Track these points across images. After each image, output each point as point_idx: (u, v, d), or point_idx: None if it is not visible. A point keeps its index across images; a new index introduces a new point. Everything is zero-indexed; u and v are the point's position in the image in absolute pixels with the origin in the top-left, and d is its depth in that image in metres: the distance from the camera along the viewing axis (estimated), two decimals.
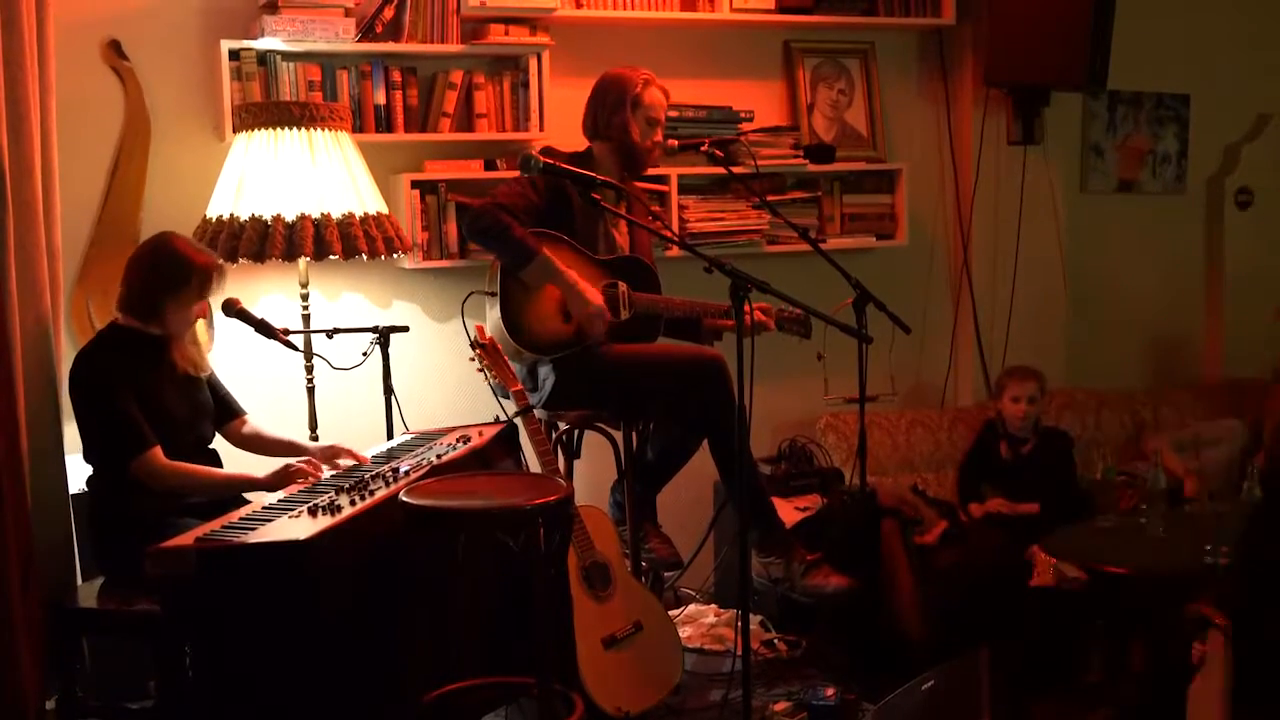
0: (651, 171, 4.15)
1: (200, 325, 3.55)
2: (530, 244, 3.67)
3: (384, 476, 3.20)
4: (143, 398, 3.28)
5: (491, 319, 3.79)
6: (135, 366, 3.31)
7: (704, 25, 4.68)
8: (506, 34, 4.25)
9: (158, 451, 3.25)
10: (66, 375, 3.54)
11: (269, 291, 4.23)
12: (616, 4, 4.44)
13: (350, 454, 3.49)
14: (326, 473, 3.35)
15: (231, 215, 3.79)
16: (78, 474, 3.57)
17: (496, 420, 3.81)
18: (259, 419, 3.65)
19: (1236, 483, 3.91)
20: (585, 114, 3.97)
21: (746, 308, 3.21)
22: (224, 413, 3.58)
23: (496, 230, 3.67)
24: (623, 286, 3.86)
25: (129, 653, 3.58)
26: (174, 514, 3.17)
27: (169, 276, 3.32)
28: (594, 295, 3.74)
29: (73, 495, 3.51)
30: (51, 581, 3.35)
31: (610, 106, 3.91)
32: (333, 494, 3.05)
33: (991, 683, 3.18)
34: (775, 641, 4.15)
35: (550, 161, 3.41)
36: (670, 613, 3.96)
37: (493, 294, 3.76)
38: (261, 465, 3.46)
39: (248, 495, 3.36)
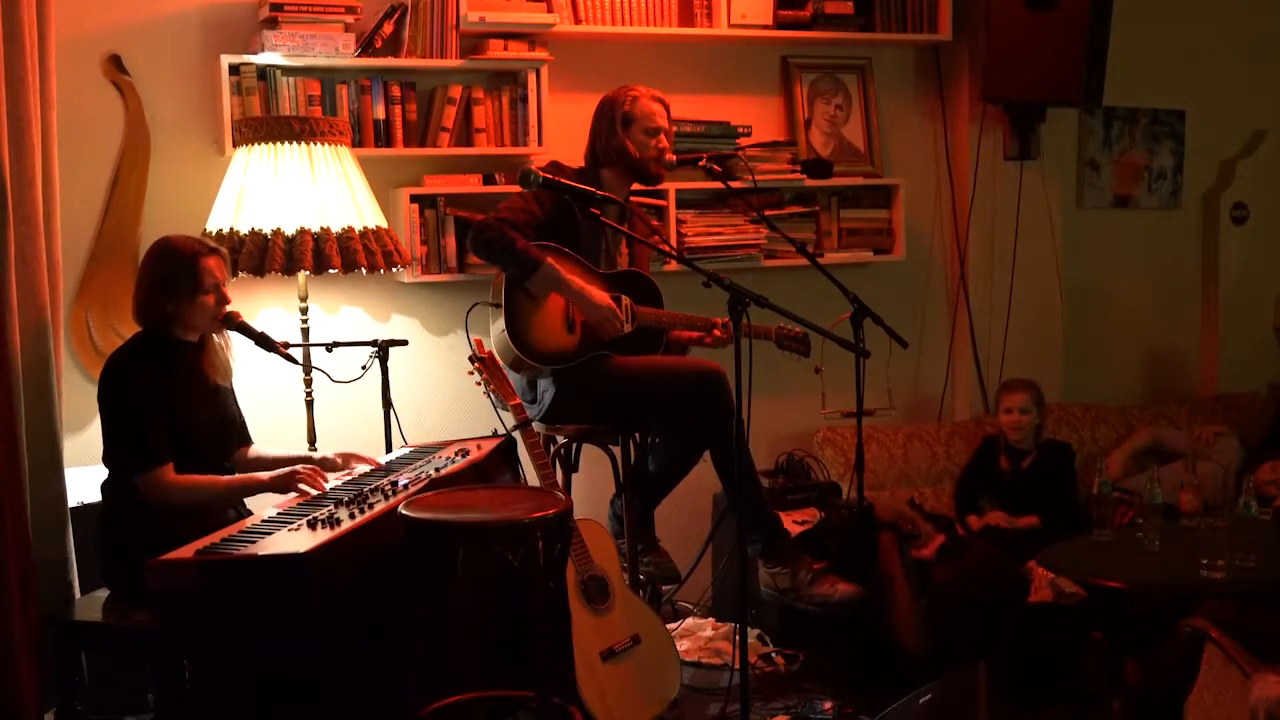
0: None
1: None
2: (534, 254, 3.69)
3: (383, 490, 3.20)
4: (169, 406, 3.26)
5: (495, 331, 3.80)
6: (166, 374, 3.29)
7: (702, 41, 4.70)
8: (505, 49, 4.27)
9: (168, 469, 3.22)
10: (65, 389, 3.55)
11: (268, 305, 4.24)
12: (615, 19, 4.46)
13: (361, 459, 3.53)
14: (329, 483, 3.35)
15: (231, 229, 3.81)
16: (77, 488, 3.58)
17: (495, 434, 3.82)
18: (261, 442, 3.64)
19: (1233, 497, 3.92)
20: (587, 145, 4.00)
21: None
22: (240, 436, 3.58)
23: (501, 243, 3.69)
24: (625, 300, 3.87)
25: (128, 666, 3.58)
26: (184, 531, 3.07)
27: (165, 276, 3.31)
28: (602, 297, 3.76)
29: (71, 508, 3.51)
30: (50, 595, 3.35)
31: (605, 131, 3.95)
32: (332, 507, 3.05)
33: (989, 697, 3.19)
34: (773, 655, 4.15)
35: (549, 176, 3.43)
36: (668, 626, 3.96)
37: (497, 305, 3.78)
38: None
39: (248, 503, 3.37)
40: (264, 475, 3.32)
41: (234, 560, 2.75)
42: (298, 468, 3.31)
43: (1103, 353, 5.58)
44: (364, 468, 3.53)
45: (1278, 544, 3.71)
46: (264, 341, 3.57)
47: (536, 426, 3.73)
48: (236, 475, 3.42)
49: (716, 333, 3.94)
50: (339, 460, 3.53)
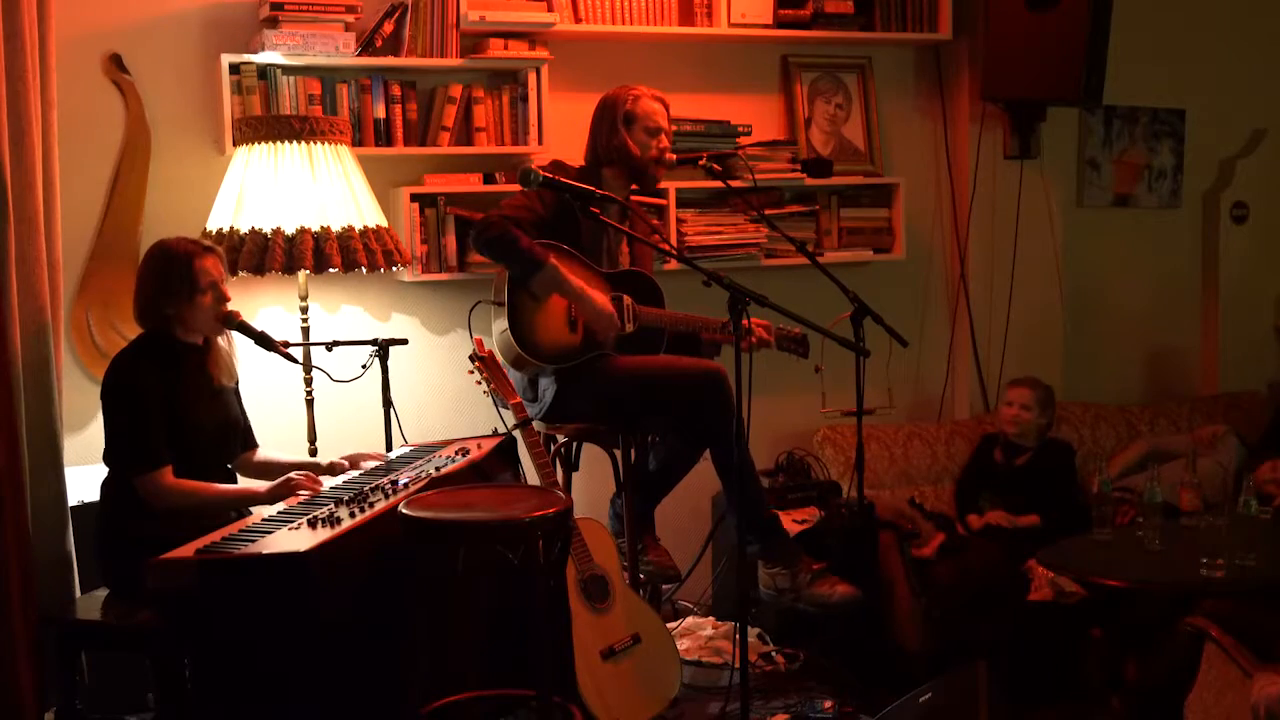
0: None
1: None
2: (537, 253, 3.69)
3: (383, 489, 3.20)
4: (172, 408, 3.26)
5: (497, 329, 3.80)
6: (170, 375, 3.29)
7: (702, 40, 4.70)
8: (506, 48, 4.27)
9: (166, 472, 3.22)
10: (65, 388, 3.55)
11: (268, 304, 4.24)
12: (615, 19, 4.46)
13: (369, 456, 3.56)
14: (327, 484, 3.35)
15: (231, 228, 3.81)
16: (77, 487, 3.58)
17: (495, 433, 3.82)
18: (269, 447, 3.65)
19: (1233, 496, 3.92)
20: (587, 144, 4.00)
21: (746, 323, 3.22)
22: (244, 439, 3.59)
23: (504, 241, 3.69)
24: (627, 300, 3.87)
25: (128, 665, 3.58)
26: (183, 531, 3.07)
27: (161, 278, 3.31)
28: (603, 300, 3.76)
29: (72, 508, 3.51)
30: (50, 595, 3.35)
31: (606, 130, 3.94)
32: (333, 506, 3.05)
33: (989, 696, 3.19)
34: (773, 654, 4.15)
35: (549, 176, 3.42)
36: (668, 625, 3.96)
37: (499, 304, 3.78)
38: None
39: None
40: (262, 488, 3.32)
41: (234, 559, 2.75)
42: (292, 475, 3.32)
43: (1103, 352, 5.58)
44: (370, 463, 3.53)
45: (1278, 543, 3.71)
46: (264, 341, 3.56)
47: (537, 425, 3.73)
48: (234, 486, 3.43)
49: (754, 338, 3.86)
50: (360, 457, 3.57)
